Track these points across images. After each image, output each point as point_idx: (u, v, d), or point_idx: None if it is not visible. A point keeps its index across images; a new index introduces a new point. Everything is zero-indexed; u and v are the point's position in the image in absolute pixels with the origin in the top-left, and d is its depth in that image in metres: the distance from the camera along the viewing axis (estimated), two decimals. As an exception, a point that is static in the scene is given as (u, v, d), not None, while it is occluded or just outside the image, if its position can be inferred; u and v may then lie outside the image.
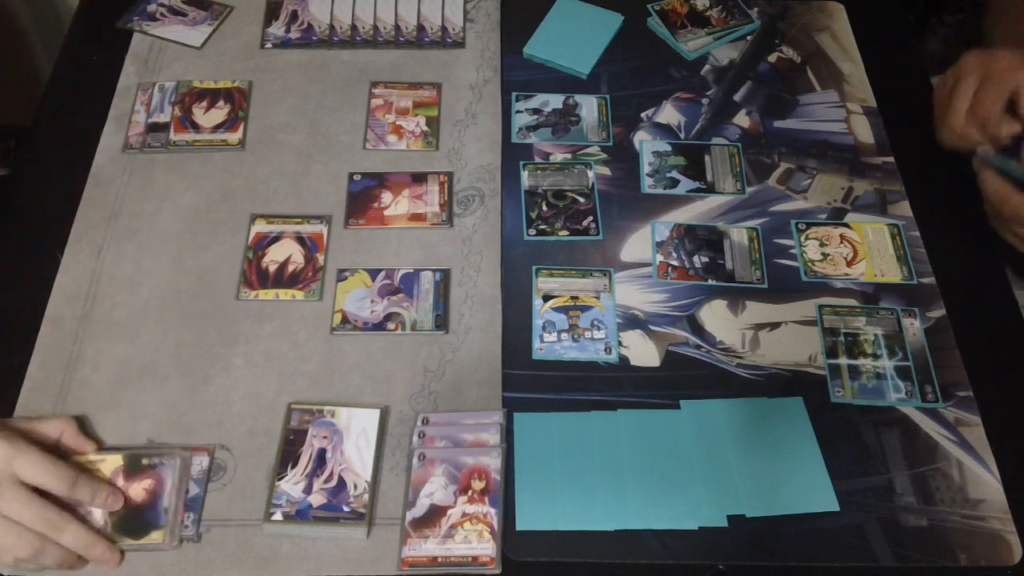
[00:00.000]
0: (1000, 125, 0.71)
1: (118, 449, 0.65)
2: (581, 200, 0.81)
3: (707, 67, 0.92)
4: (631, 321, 0.74)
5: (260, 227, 0.77)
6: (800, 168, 0.84)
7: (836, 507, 0.64)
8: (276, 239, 0.77)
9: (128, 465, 0.63)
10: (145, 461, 0.64)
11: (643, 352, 0.72)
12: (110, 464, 0.63)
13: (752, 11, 0.97)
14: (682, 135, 0.86)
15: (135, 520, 0.62)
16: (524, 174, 0.82)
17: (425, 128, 0.85)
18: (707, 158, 0.84)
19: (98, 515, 0.61)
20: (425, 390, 0.69)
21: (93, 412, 0.67)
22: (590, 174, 0.83)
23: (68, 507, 0.60)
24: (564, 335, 0.72)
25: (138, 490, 0.63)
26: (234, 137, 0.83)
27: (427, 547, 0.61)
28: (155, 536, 0.61)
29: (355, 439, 0.66)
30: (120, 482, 0.63)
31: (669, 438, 0.67)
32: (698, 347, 0.72)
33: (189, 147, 0.82)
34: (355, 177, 0.81)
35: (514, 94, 0.88)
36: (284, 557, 0.61)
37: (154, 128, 0.84)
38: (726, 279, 0.76)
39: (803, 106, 0.89)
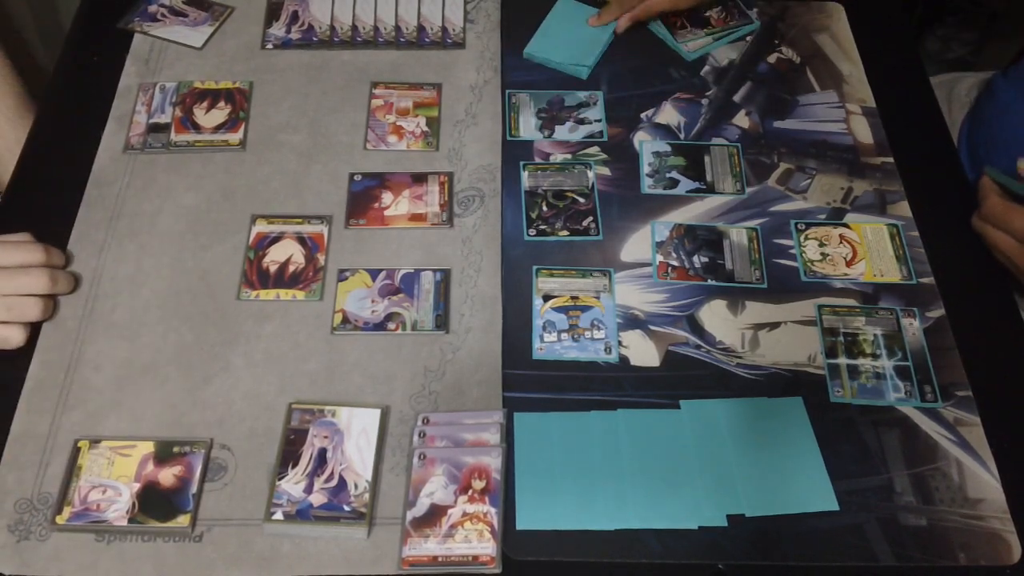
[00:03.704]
0: None
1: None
2: (581, 200, 0.81)
3: (707, 68, 0.92)
4: (631, 321, 0.74)
5: (261, 227, 0.77)
6: (799, 168, 0.84)
7: (836, 507, 0.65)
8: (277, 239, 0.77)
9: (158, 452, 0.65)
10: (176, 449, 0.65)
11: (643, 352, 0.72)
12: (140, 450, 0.65)
13: (752, 11, 0.97)
14: (682, 135, 0.86)
15: (163, 504, 0.63)
16: (524, 174, 0.82)
17: (425, 128, 0.85)
18: (707, 158, 0.84)
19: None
20: (425, 390, 0.69)
21: (94, 412, 0.67)
22: (590, 174, 0.83)
23: None
24: (564, 335, 0.73)
25: (168, 476, 0.64)
26: (235, 137, 0.83)
27: (427, 546, 0.61)
28: (181, 520, 0.62)
29: (356, 439, 0.66)
30: (150, 468, 0.64)
31: (669, 438, 0.67)
32: (698, 347, 0.73)
33: (190, 147, 0.83)
34: (356, 177, 0.81)
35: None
36: (285, 557, 0.62)
37: (155, 128, 0.84)
38: (726, 279, 0.76)
39: (803, 106, 0.89)
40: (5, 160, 0.89)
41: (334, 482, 0.64)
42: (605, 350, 0.72)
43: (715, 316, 0.74)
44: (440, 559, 0.61)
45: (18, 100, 0.92)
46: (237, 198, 0.80)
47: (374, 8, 0.94)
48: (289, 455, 0.65)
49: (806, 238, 0.79)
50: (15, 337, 0.69)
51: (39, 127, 0.86)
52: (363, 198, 0.80)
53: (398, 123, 0.85)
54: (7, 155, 0.88)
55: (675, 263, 0.77)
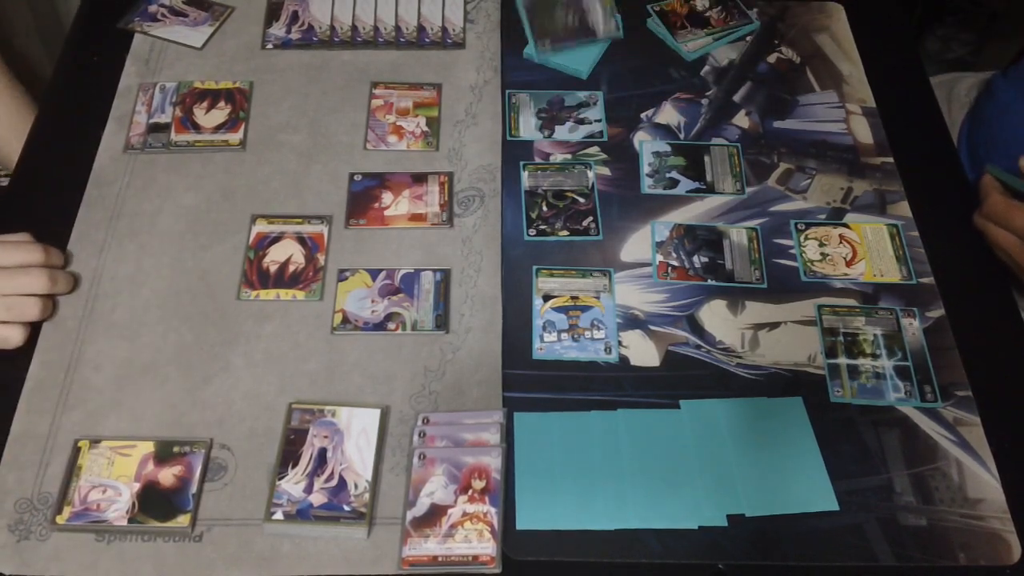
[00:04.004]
0: None
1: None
2: (581, 200, 0.81)
3: (707, 68, 0.92)
4: (631, 321, 0.74)
5: (261, 227, 0.77)
6: (799, 168, 0.84)
7: (836, 507, 0.65)
8: (277, 239, 0.77)
9: (158, 452, 0.65)
10: (176, 449, 0.65)
11: (643, 352, 0.72)
12: (140, 450, 0.65)
13: (752, 11, 0.97)
14: (682, 135, 0.86)
15: (163, 504, 0.63)
16: (524, 174, 0.82)
17: (425, 128, 0.85)
18: (707, 158, 0.84)
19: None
20: (425, 390, 0.69)
21: (94, 412, 0.67)
22: (590, 174, 0.83)
23: None
24: (564, 335, 0.73)
25: (168, 476, 0.64)
26: (235, 137, 0.83)
27: (427, 546, 0.61)
28: (181, 520, 0.62)
29: (356, 439, 0.66)
30: (150, 467, 0.64)
31: (669, 438, 0.67)
32: (698, 347, 0.73)
33: (190, 147, 0.83)
34: (356, 177, 0.81)
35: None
36: (285, 557, 0.62)
37: (155, 128, 0.84)
38: (726, 279, 0.76)
39: (802, 106, 0.89)
40: (5, 153, 0.89)
41: (334, 482, 0.64)
42: (605, 350, 0.72)
43: (715, 316, 0.74)
44: (440, 559, 0.61)
45: (18, 100, 0.92)
46: (237, 198, 0.80)
47: (374, 8, 0.94)
48: (289, 455, 0.65)
49: (806, 238, 0.79)
50: (15, 337, 0.69)
51: (39, 127, 0.86)
52: (363, 198, 0.80)
53: (398, 123, 0.85)
54: (7, 150, 0.88)
55: (675, 263, 0.77)
